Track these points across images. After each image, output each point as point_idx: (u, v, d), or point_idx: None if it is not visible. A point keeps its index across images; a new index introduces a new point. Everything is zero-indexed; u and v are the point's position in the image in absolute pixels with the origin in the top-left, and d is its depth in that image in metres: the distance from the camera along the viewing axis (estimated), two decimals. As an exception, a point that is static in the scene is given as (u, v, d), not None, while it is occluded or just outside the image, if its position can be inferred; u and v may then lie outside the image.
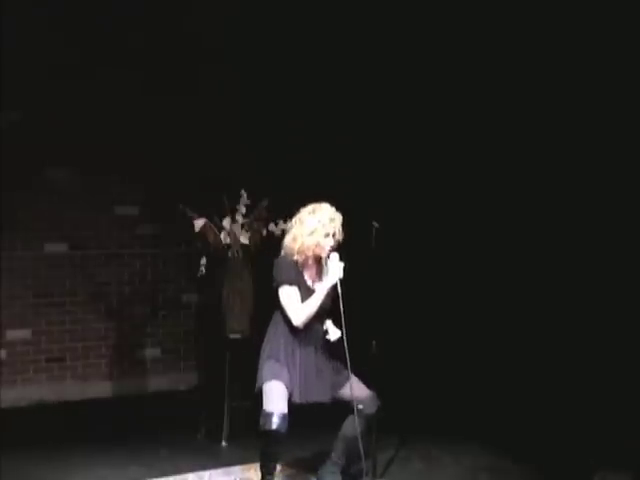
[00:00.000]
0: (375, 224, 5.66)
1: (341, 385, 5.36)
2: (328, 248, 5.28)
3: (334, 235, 5.29)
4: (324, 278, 5.29)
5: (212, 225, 6.67)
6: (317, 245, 5.27)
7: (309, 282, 5.33)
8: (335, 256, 5.25)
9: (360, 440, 5.29)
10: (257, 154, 8.19)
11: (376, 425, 5.58)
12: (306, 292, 5.28)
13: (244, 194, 6.70)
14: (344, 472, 5.58)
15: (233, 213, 6.72)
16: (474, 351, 8.01)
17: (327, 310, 5.33)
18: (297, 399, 5.26)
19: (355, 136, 8.54)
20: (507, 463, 6.19)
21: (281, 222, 6.55)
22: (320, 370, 5.34)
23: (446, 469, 6.13)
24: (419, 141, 8.51)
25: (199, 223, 6.64)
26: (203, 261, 6.75)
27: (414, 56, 8.39)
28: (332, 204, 5.36)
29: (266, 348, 5.36)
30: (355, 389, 5.34)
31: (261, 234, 6.68)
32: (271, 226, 6.65)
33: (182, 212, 6.63)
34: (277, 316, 5.38)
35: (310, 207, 5.37)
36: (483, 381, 7.62)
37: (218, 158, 8.10)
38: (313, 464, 5.77)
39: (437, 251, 8.41)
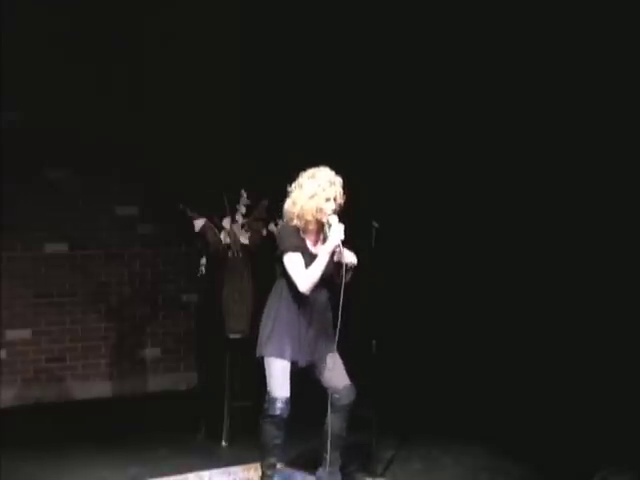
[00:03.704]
0: (375, 224, 5.66)
1: (325, 365, 5.33)
2: (329, 212, 5.22)
3: (335, 199, 5.24)
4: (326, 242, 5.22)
5: (212, 225, 6.67)
6: (318, 209, 5.22)
7: (312, 248, 5.27)
8: (334, 218, 5.19)
9: (329, 429, 5.27)
10: (257, 154, 8.18)
11: (375, 424, 5.58)
12: (309, 258, 5.21)
13: (244, 194, 6.70)
14: (343, 470, 5.57)
15: (233, 213, 6.73)
16: (474, 351, 8.00)
17: (329, 276, 5.26)
18: (303, 363, 5.26)
19: (355, 136, 8.53)
20: (507, 463, 6.19)
21: (281, 222, 6.54)
22: (318, 336, 5.31)
23: (446, 469, 6.13)
24: (419, 141, 8.50)
25: (199, 223, 6.64)
26: (203, 261, 6.75)
27: (413, 56, 8.38)
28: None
29: (270, 316, 5.30)
30: (335, 376, 5.32)
31: (261, 234, 6.68)
32: (271, 226, 6.64)
33: (182, 212, 6.63)
34: (280, 284, 5.31)
35: (310, 171, 5.33)
36: (483, 381, 7.61)
37: (218, 158, 8.10)
38: (313, 464, 5.76)
39: (437, 251, 8.40)
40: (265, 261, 5.68)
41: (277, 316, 5.27)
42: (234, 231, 6.68)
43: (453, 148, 8.33)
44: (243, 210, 6.72)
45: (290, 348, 5.23)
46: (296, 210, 5.24)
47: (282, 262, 5.25)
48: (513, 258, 7.91)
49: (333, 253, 5.18)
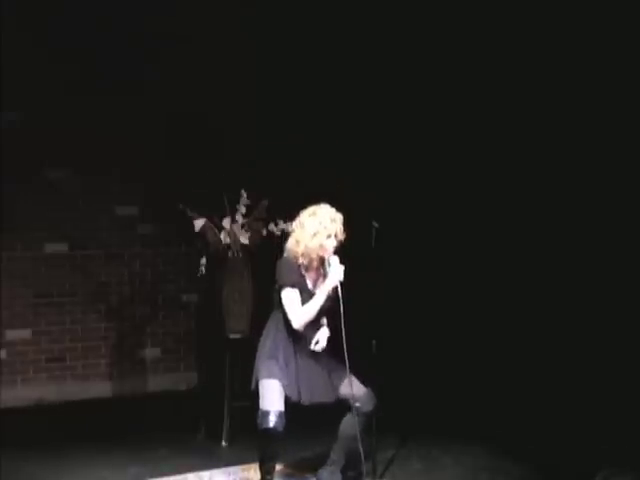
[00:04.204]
0: (375, 224, 5.66)
1: (339, 383, 5.36)
2: (331, 249, 5.29)
3: (336, 235, 5.30)
4: (325, 280, 5.29)
5: (212, 225, 6.67)
6: (320, 247, 5.28)
7: (310, 285, 5.35)
8: (335, 259, 5.27)
9: (359, 439, 5.29)
10: (257, 154, 8.18)
11: (375, 424, 5.58)
12: (307, 295, 5.30)
13: (244, 194, 6.70)
14: (344, 472, 5.58)
15: (233, 213, 6.72)
16: (474, 351, 8.01)
17: (325, 311, 5.34)
18: (296, 398, 5.26)
19: (355, 136, 8.53)
20: (507, 463, 6.19)
21: (281, 222, 6.55)
22: (320, 370, 5.36)
23: (446, 469, 6.13)
24: (419, 141, 8.51)
25: (199, 223, 6.64)
26: (203, 261, 6.75)
27: (413, 56, 8.39)
28: (332, 204, 5.36)
29: (265, 345, 5.37)
30: (352, 387, 5.34)
31: (261, 234, 6.68)
32: (271, 226, 6.65)
33: (182, 212, 6.63)
34: (276, 315, 5.39)
35: (310, 209, 5.38)
36: (483, 381, 7.62)
37: (218, 158, 8.10)
38: (313, 464, 5.77)
39: (437, 251, 8.41)
40: (265, 261, 5.68)
41: (271, 349, 5.32)
42: (234, 231, 6.68)
43: (453, 148, 8.34)
44: (243, 210, 6.71)
45: (285, 375, 5.25)
46: (300, 249, 5.31)
47: (280, 295, 5.32)
48: (513, 258, 7.92)
49: (333, 290, 5.24)
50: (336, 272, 5.22)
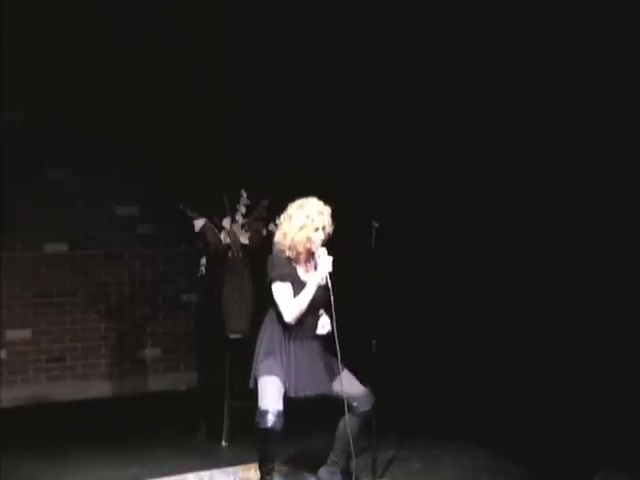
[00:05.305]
0: (375, 224, 5.66)
1: (335, 381, 5.35)
2: (319, 242, 5.28)
3: (324, 228, 5.29)
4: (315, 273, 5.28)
5: (212, 225, 6.67)
6: (308, 240, 5.26)
7: (303, 277, 5.31)
8: (323, 251, 5.25)
9: (351, 438, 5.28)
10: (257, 154, 8.18)
11: (376, 424, 5.58)
12: (300, 287, 5.27)
13: (244, 194, 6.70)
14: (344, 472, 5.58)
15: (233, 213, 6.73)
16: (474, 351, 8.00)
17: (320, 304, 5.31)
18: (292, 394, 5.26)
19: (355, 136, 8.53)
20: (507, 463, 6.19)
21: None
22: (314, 364, 5.33)
23: (446, 469, 6.13)
24: (419, 141, 8.50)
25: (199, 223, 6.64)
26: (203, 261, 6.75)
27: (413, 56, 8.38)
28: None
29: (262, 341, 5.36)
30: (349, 386, 5.34)
31: (261, 234, 6.67)
32: (271, 226, 6.63)
33: (182, 212, 6.63)
34: (272, 311, 5.38)
35: (298, 202, 5.36)
36: (483, 381, 7.62)
37: (218, 158, 8.10)
38: (312, 463, 5.77)
39: (437, 251, 8.41)
40: (265, 261, 5.68)
41: (268, 345, 5.32)
42: (234, 231, 6.68)
43: (453, 148, 8.34)
44: (243, 210, 6.72)
45: (282, 371, 5.25)
46: (287, 242, 5.30)
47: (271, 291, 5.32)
48: (513, 258, 7.92)
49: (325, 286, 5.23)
50: (325, 263, 5.20)
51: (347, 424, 5.28)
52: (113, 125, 7.92)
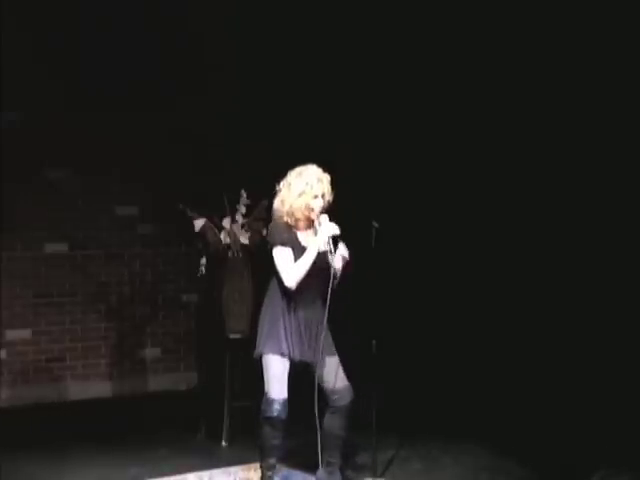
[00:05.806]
0: (375, 224, 5.66)
1: (324, 367, 5.31)
2: (318, 209, 5.25)
3: (323, 196, 5.27)
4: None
5: (212, 225, 6.67)
6: (306, 207, 5.24)
7: (304, 243, 5.27)
8: (325, 217, 5.23)
9: (318, 429, 5.26)
10: (257, 154, 8.18)
11: (375, 424, 5.58)
12: (300, 253, 5.23)
13: (244, 194, 6.70)
14: (342, 470, 5.57)
15: (233, 213, 6.72)
16: (474, 351, 8.00)
17: (322, 271, 5.22)
18: (297, 358, 5.23)
19: (355, 136, 8.53)
20: (507, 463, 6.18)
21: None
22: (315, 332, 5.28)
23: (446, 469, 6.13)
24: (419, 141, 8.51)
25: (199, 223, 6.64)
26: (203, 261, 6.75)
27: (413, 56, 8.38)
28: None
29: (266, 311, 5.33)
30: (332, 375, 5.31)
31: (261, 234, 6.66)
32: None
33: (182, 212, 6.63)
34: (273, 283, 5.34)
35: (297, 169, 5.36)
36: (483, 381, 7.62)
37: (218, 158, 8.10)
38: (313, 464, 5.75)
39: (437, 251, 8.41)
40: (265, 261, 5.68)
41: (272, 315, 5.29)
42: (234, 231, 6.68)
43: (453, 148, 8.34)
44: (243, 210, 6.72)
45: (287, 345, 5.23)
46: (285, 208, 5.28)
47: (272, 257, 5.27)
48: (513, 258, 7.92)
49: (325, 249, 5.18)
50: (326, 228, 5.17)
51: (333, 421, 5.30)
52: (113, 125, 7.91)
